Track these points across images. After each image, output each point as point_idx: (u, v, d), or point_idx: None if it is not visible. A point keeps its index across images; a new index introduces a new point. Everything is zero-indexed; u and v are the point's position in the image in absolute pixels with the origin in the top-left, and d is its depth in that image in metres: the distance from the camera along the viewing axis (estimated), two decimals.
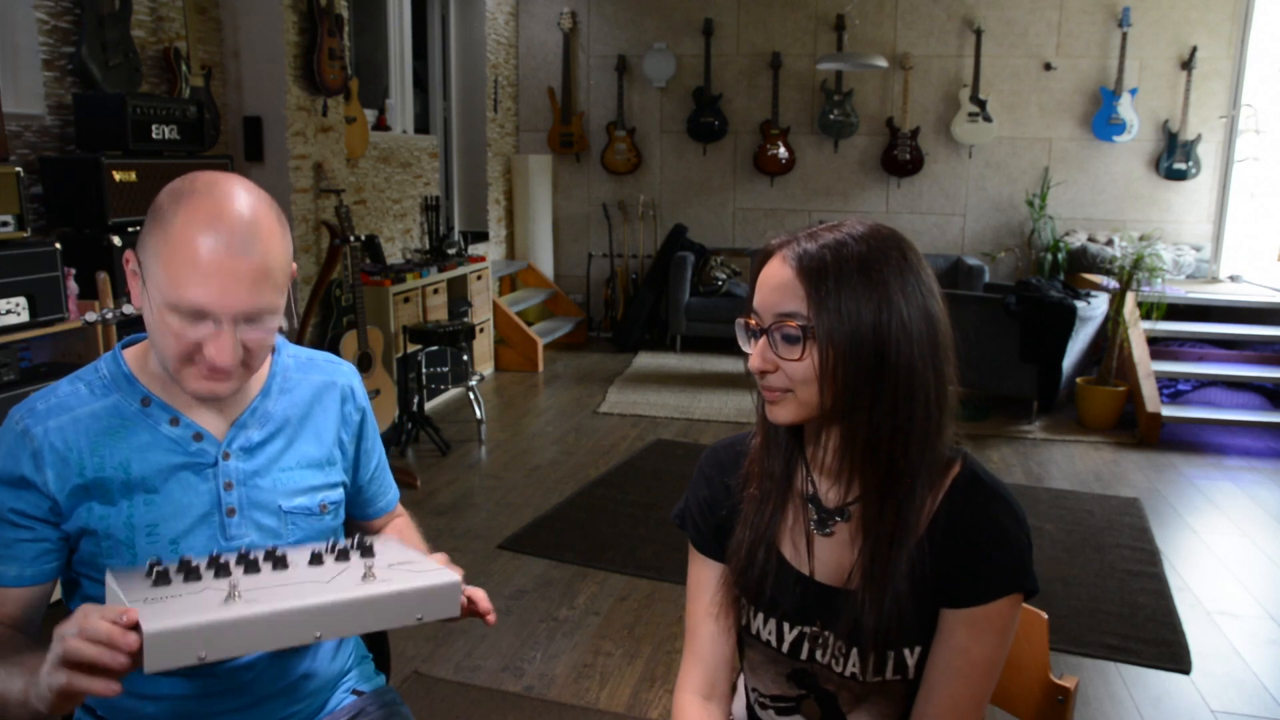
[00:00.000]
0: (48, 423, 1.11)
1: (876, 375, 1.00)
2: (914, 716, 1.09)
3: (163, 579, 0.99)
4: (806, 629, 1.12)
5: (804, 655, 1.13)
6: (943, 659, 1.06)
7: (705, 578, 1.20)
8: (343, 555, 1.09)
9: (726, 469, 1.19)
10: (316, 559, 1.07)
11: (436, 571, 1.05)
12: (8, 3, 3.11)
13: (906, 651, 1.08)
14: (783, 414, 1.06)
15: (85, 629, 0.86)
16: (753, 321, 1.06)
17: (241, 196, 1.06)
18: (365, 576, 1.02)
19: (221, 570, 1.02)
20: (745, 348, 1.08)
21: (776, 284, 1.03)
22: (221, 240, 1.02)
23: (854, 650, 1.08)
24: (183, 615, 0.88)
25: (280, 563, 1.05)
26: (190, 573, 1.01)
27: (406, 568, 1.06)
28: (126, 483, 1.12)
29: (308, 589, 0.98)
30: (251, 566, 1.03)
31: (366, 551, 1.10)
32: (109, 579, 1.00)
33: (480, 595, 1.14)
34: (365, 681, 1.38)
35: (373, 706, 1.32)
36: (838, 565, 1.11)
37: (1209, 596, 3.14)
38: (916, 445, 1.02)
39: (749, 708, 1.25)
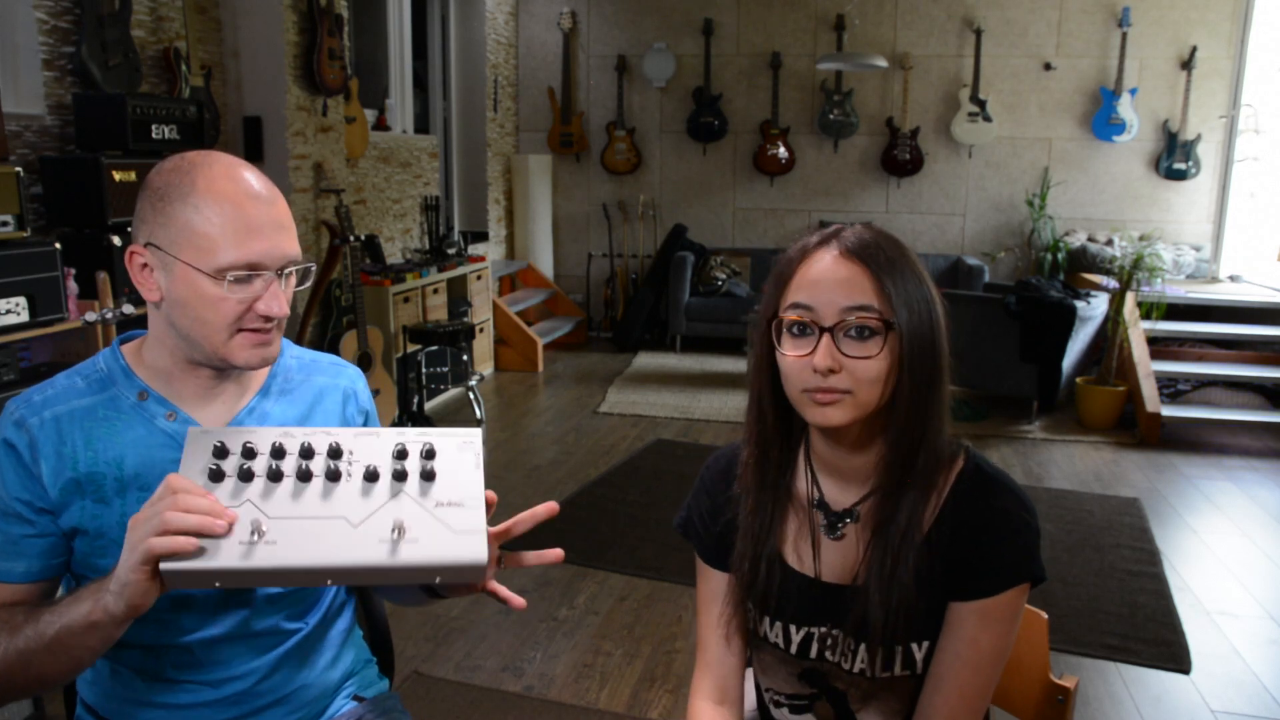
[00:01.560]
0: (43, 414, 1.11)
1: (929, 370, 1.02)
2: (921, 706, 1.09)
3: (217, 476, 1.00)
4: (815, 630, 1.12)
5: (814, 654, 1.13)
6: (951, 650, 1.06)
7: (712, 588, 1.20)
8: (399, 477, 1.03)
9: (727, 477, 1.19)
10: (371, 477, 1.02)
11: (469, 543, 1.00)
12: (8, 3, 3.11)
13: (914, 646, 1.08)
14: (838, 415, 1.01)
15: (181, 504, 0.93)
16: (804, 318, 1.01)
17: (238, 161, 1.13)
18: (396, 533, 0.98)
19: (274, 475, 1.01)
20: (792, 351, 1.02)
21: (840, 278, 1.00)
22: (253, 197, 1.08)
23: (862, 647, 1.09)
24: (206, 557, 0.94)
25: (334, 476, 1.02)
26: (244, 474, 1.01)
27: (448, 518, 1.01)
28: (120, 479, 1.11)
29: (332, 539, 0.97)
30: (304, 476, 1.01)
31: (427, 476, 1.03)
32: (191, 443, 1.03)
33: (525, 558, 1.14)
34: (368, 687, 1.37)
35: (373, 713, 1.32)
36: (844, 564, 1.11)
37: (1209, 596, 3.14)
38: (934, 441, 1.04)
39: (762, 706, 1.26)
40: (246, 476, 1.01)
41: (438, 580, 1.01)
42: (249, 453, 1.02)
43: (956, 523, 1.06)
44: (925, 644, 1.09)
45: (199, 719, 1.18)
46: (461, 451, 1.07)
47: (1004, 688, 1.29)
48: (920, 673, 1.10)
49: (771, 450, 1.12)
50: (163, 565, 0.93)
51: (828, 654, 1.12)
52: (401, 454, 1.05)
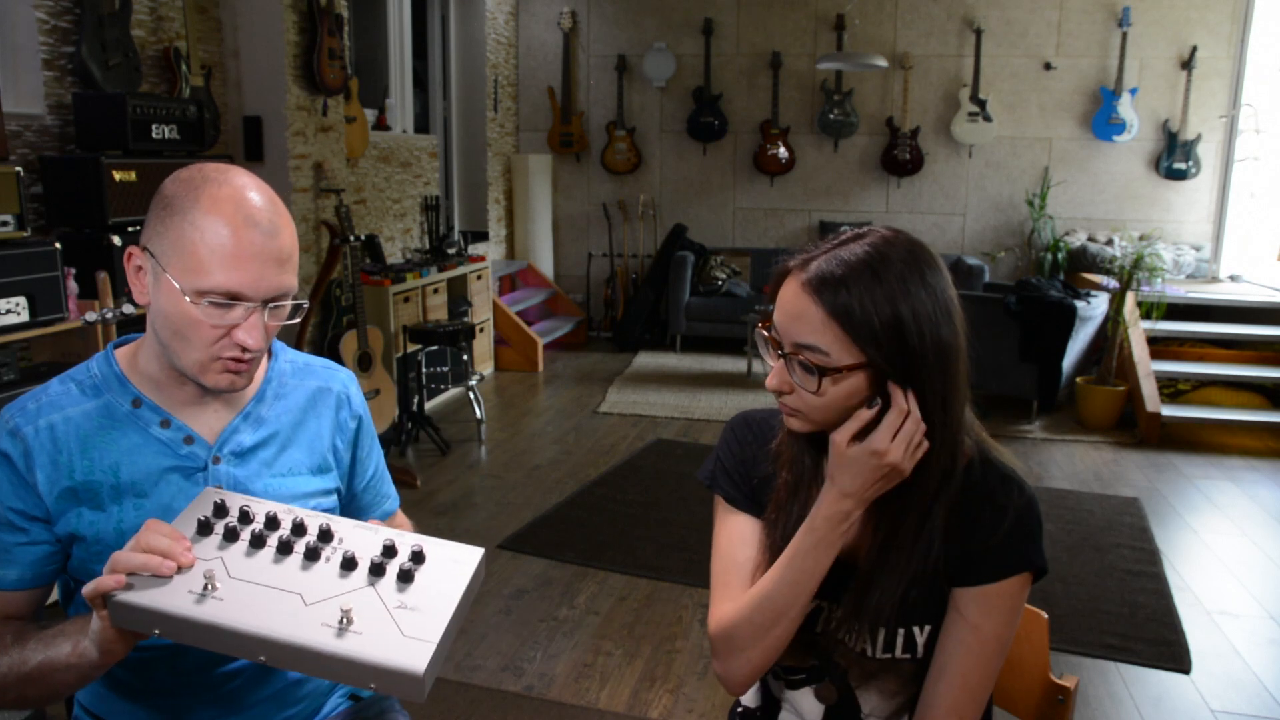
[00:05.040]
0: (38, 422, 1.10)
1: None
2: (925, 693, 1.10)
3: (205, 529, 1.02)
4: (823, 604, 1.14)
5: (819, 627, 1.15)
6: (954, 636, 1.08)
7: (744, 531, 1.18)
8: (376, 571, 1.00)
9: (760, 434, 1.21)
10: (349, 564, 1.00)
11: (412, 650, 0.93)
12: (8, 3, 3.11)
13: (916, 630, 1.10)
14: (798, 425, 1.07)
15: (142, 541, 0.96)
16: (772, 340, 1.05)
17: (253, 184, 1.10)
18: (342, 620, 0.94)
19: (257, 541, 1.01)
20: (765, 357, 1.08)
21: (796, 312, 1.01)
22: (251, 225, 1.05)
23: (864, 627, 1.10)
24: (151, 596, 0.94)
25: (312, 555, 1.01)
26: (230, 533, 1.01)
27: (404, 620, 0.96)
28: (116, 487, 1.11)
29: (277, 611, 0.94)
30: (284, 549, 1.00)
31: (404, 577, 1.00)
32: (200, 497, 1.06)
33: None
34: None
35: (370, 712, 1.32)
36: (851, 545, 1.12)
37: (1209, 596, 3.14)
38: (923, 463, 1.03)
39: (761, 684, 1.27)
40: (231, 536, 1.01)
41: (372, 686, 0.92)
42: (244, 516, 1.03)
43: (962, 512, 1.07)
44: (927, 628, 1.10)
45: (196, 718, 1.18)
46: (452, 565, 1.02)
47: (1004, 688, 1.29)
48: (920, 656, 1.11)
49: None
50: (110, 604, 0.93)
51: (831, 629, 1.14)
52: (389, 551, 1.02)
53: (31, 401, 1.12)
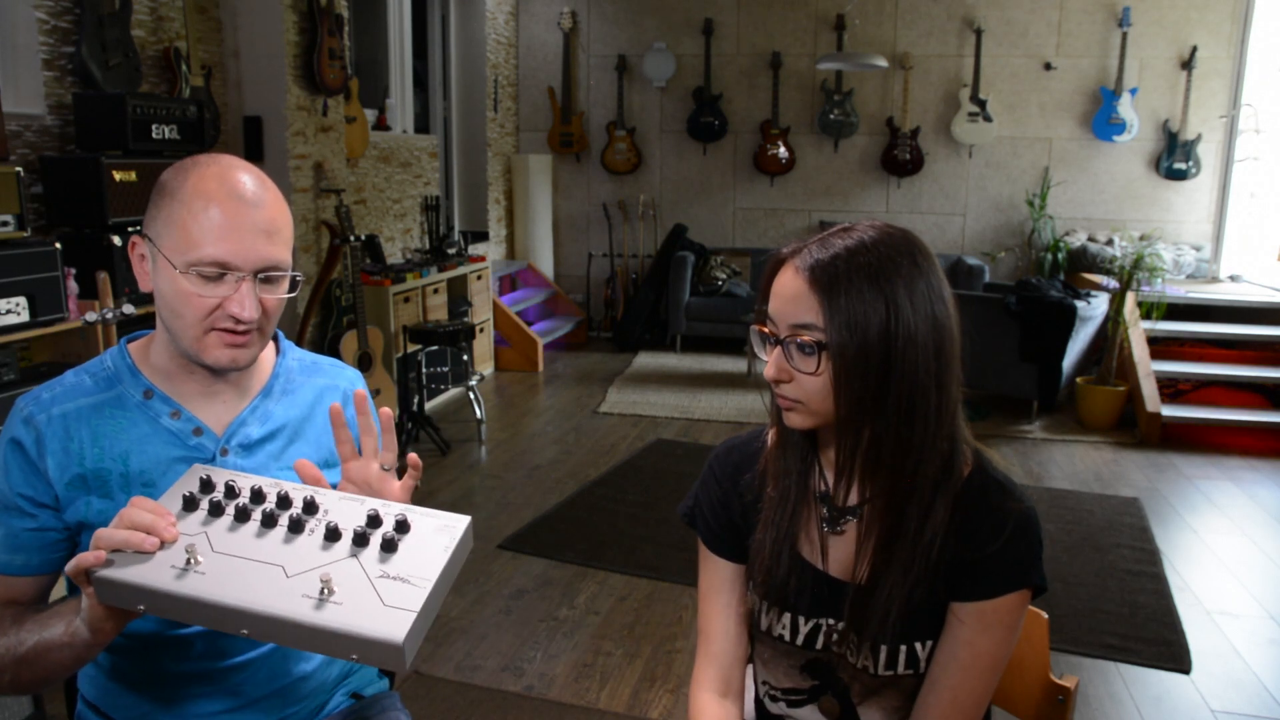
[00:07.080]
0: (51, 410, 1.13)
1: (883, 385, 1.01)
2: (916, 706, 1.10)
3: (190, 505, 1.02)
4: (822, 622, 1.13)
5: (819, 645, 1.14)
6: (948, 651, 1.07)
7: (718, 577, 1.21)
8: (359, 541, 1.00)
9: (739, 468, 1.20)
10: (332, 535, 1.00)
11: (392, 619, 0.92)
12: (8, 3, 3.11)
13: (918, 645, 1.09)
14: (798, 420, 1.07)
15: (126, 517, 0.96)
16: (767, 329, 1.06)
17: (242, 164, 1.13)
18: (323, 591, 0.93)
19: (241, 515, 1.01)
20: (760, 354, 1.08)
21: (790, 295, 1.03)
22: (235, 197, 1.08)
23: (865, 644, 1.10)
24: (134, 572, 0.95)
25: (296, 527, 1.01)
26: (215, 508, 1.02)
27: (386, 590, 0.95)
28: (125, 475, 1.13)
29: (258, 584, 0.94)
30: (268, 522, 1.00)
31: (387, 546, 0.99)
32: (187, 474, 1.07)
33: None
34: (367, 686, 1.38)
35: (371, 711, 1.32)
36: (849, 560, 1.12)
37: (1209, 596, 3.14)
38: (918, 452, 1.03)
39: (758, 701, 1.26)
40: (216, 511, 1.02)
41: (353, 657, 0.92)
42: (230, 491, 1.04)
43: (961, 525, 1.06)
44: (929, 643, 1.10)
45: (198, 712, 1.19)
46: (437, 534, 1.02)
47: (1004, 688, 1.29)
48: (924, 672, 1.11)
49: (794, 438, 1.13)
50: (94, 579, 0.94)
51: (834, 646, 1.13)
52: (374, 520, 1.02)
53: (46, 391, 1.15)
